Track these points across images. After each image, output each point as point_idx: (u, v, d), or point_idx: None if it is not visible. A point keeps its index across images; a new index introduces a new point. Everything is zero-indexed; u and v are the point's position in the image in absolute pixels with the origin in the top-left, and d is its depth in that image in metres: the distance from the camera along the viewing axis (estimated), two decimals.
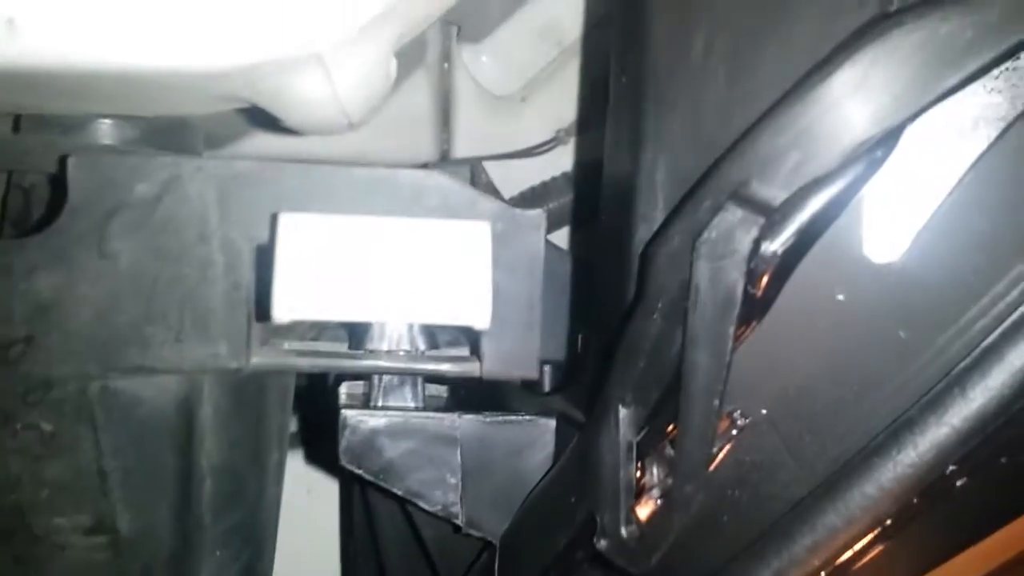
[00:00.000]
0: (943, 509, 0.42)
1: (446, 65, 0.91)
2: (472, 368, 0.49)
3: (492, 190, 0.73)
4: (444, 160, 0.89)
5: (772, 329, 0.41)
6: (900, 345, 0.39)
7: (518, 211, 0.47)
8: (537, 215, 0.47)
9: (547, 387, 0.64)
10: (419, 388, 0.53)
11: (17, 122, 0.57)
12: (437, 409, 0.53)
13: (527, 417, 0.53)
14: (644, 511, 0.45)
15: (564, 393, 0.58)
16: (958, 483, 0.41)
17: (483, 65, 0.95)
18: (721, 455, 0.43)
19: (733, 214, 0.40)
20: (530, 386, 0.64)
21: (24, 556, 0.50)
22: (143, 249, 0.46)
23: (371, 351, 0.50)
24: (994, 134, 0.38)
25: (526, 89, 0.96)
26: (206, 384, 0.50)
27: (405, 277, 0.40)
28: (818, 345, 0.41)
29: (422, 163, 0.86)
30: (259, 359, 0.48)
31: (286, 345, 0.52)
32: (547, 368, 0.67)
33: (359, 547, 0.73)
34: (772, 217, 0.40)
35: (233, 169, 0.46)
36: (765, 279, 0.41)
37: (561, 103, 0.96)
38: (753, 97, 0.42)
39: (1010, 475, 0.42)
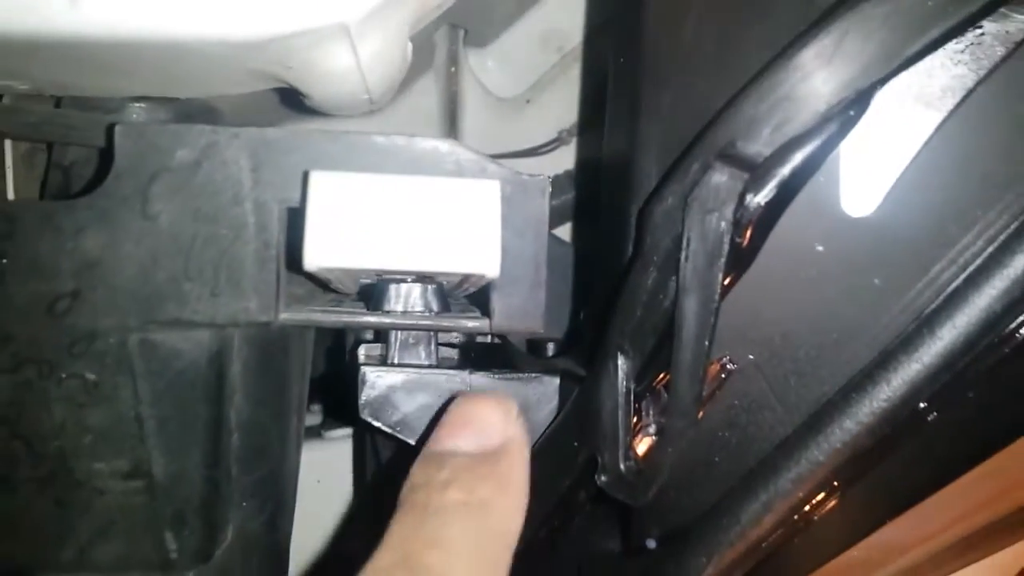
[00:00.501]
0: (918, 445, 0.46)
1: (453, 69, 0.95)
2: (483, 324, 0.53)
3: None
4: None
5: (757, 280, 0.45)
6: (875, 292, 0.43)
7: (524, 176, 0.51)
8: (542, 180, 0.51)
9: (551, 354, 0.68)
10: (432, 347, 0.57)
11: (58, 104, 0.62)
12: (450, 368, 0.57)
13: (533, 375, 0.57)
14: (641, 448, 0.49)
15: (567, 355, 0.62)
16: (930, 418, 0.44)
17: (489, 69, 0.99)
18: (712, 399, 0.47)
19: (721, 171, 0.44)
20: (535, 351, 0.68)
21: (65, 500, 0.53)
22: (182, 210, 0.50)
23: (388, 311, 0.54)
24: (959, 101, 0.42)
25: (530, 92, 1.00)
26: (236, 341, 0.54)
27: (423, 229, 0.44)
28: (800, 294, 0.45)
29: None
30: (287, 315, 0.52)
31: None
32: (551, 345, 0.72)
33: (370, 498, 0.77)
34: (756, 172, 0.44)
35: (265, 136, 0.50)
36: (750, 230, 0.45)
37: (563, 105, 0.99)
38: (739, 70, 0.46)
39: (978, 411, 0.45)
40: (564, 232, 0.96)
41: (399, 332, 0.57)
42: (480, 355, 0.64)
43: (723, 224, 0.44)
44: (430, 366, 0.56)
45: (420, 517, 0.40)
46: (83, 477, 0.53)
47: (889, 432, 0.44)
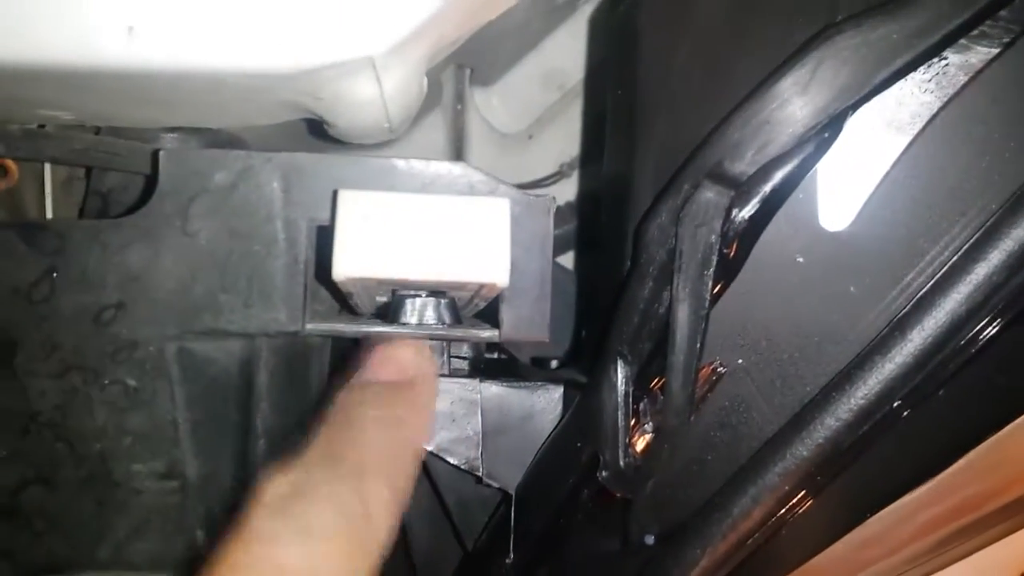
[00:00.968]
0: (895, 441, 0.49)
1: (460, 106, 0.99)
2: (492, 334, 0.57)
3: None
4: None
5: (744, 289, 0.49)
6: (851, 299, 0.47)
7: (531, 196, 0.55)
8: (547, 199, 0.55)
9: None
10: (446, 358, 0.61)
11: (97, 133, 0.66)
12: (461, 377, 0.61)
13: (539, 383, 0.61)
14: (640, 446, 0.53)
15: (569, 366, 0.66)
16: (904, 415, 0.48)
17: (493, 106, 1.03)
18: (704, 401, 0.51)
19: (709, 189, 0.49)
20: (540, 363, 0.72)
21: (105, 499, 0.57)
22: (219, 228, 0.54)
23: (405, 323, 0.59)
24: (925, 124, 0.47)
25: (532, 128, 1.05)
26: (263, 351, 0.58)
27: (440, 243, 0.48)
28: (783, 301, 0.48)
29: None
30: (312, 325, 0.56)
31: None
32: (553, 362, 0.76)
33: None
34: (741, 190, 0.48)
35: (296, 160, 0.55)
36: (736, 243, 0.49)
37: (564, 140, 1.04)
38: (724, 98, 0.50)
39: (949, 409, 0.48)
40: (566, 260, 0.99)
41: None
42: (489, 369, 0.68)
43: (712, 237, 0.48)
44: (444, 375, 0.60)
45: (343, 425, 0.46)
46: (122, 478, 0.57)
47: (868, 429, 0.47)
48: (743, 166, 0.48)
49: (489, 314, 0.60)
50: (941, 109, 0.46)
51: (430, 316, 0.59)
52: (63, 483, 0.57)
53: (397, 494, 0.44)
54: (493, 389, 0.60)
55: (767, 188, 0.48)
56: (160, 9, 0.44)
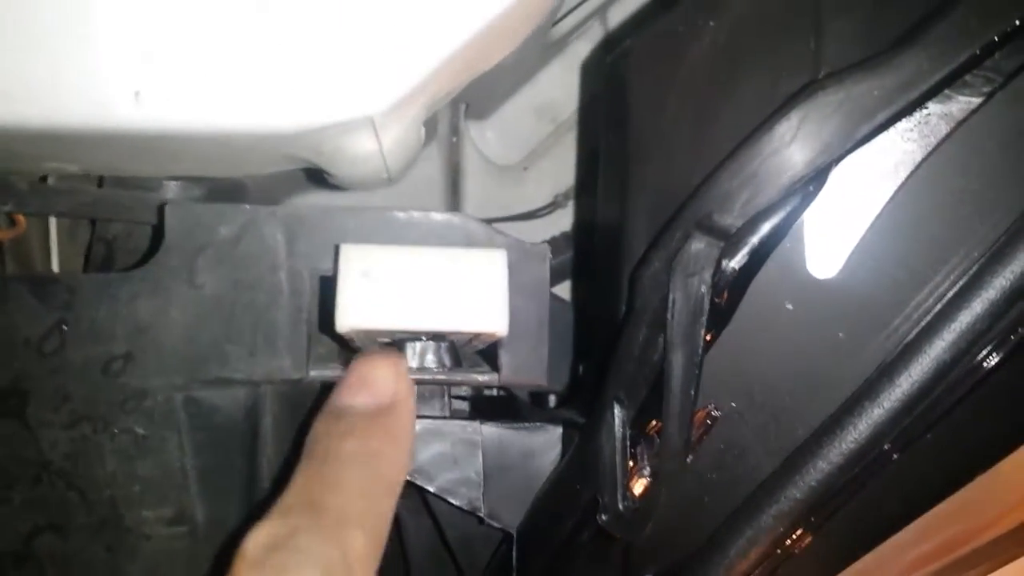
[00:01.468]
0: (885, 483, 0.50)
1: (455, 139, 1.01)
2: (492, 378, 0.58)
3: None
4: None
5: (736, 335, 0.50)
6: (840, 345, 0.48)
7: (527, 244, 0.57)
8: (543, 248, 0.57)
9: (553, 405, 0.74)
10: (446, 400, 0.63)
11: (100, 183, 0.68)
12: (462, 419, 0.62)
13: (538, 424, 0.63)
14: (637, 489, 0.54)
15: (568, 406, 0.67)
16: (894, 457, 0.49)
17: (488, 139, 1.05)
18: (700, 444, 0.52)
19: (699, 240, 0.50)
20: (539, 403, 0.73)
21: (115, 546, 0.59)
22: (225, 280, 0.56)
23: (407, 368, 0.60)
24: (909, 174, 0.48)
25: (527, 160, 1.06)
26: (268, 398, 0.59)
27: (440, 293, 0.50)
28: (773, 347, 0.50)
29: None
30: (316, 372, 0.57)
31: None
32: (552, 396, 0.77)
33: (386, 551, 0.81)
34: (730, 240, 0.49)
35: (298, 213, 0.56)
36: (727, 292, 0.51)
37: (558, 171, 1.05)
38: (713, 149, 0.51)
39: (937, 451, 0.49)
40: (563, 290, 1.00)
41: (415, 386, 0.62)
42: (489, 407, 0.70)
43: (703, 287, 0.50)
44: (444, 417, 0.62)
45: (321, 464, 0.45)
46: (132, 524, 0.58)
47: (859, 471, 0.49)
48: (731, 218, 0.49)
49: (489, 353, 0.62)
50: (924, 159, 0.48)
51: (431, 360, 0.60)
52: (75, 530, 0.59)
53: (377, 541, 0.44)
54: (493, 430, 0.61)
55: (755, 239, 0.49)
56: (165, 75, 0.46)
